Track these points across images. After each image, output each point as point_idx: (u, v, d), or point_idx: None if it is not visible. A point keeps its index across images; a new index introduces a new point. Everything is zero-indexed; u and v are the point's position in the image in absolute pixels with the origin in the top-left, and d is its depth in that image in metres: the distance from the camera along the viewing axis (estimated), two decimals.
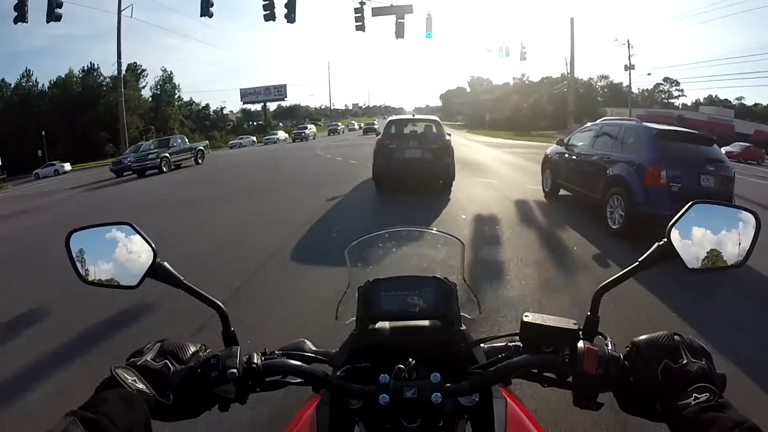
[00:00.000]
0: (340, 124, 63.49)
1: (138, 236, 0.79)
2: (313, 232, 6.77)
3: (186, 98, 64.80)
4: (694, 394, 0.57)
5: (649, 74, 68.75)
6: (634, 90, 54.76)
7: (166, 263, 0.79)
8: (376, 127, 32.04)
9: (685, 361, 0.62)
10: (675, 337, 0.66)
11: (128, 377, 0.61)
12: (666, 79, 62.00)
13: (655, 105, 57.56)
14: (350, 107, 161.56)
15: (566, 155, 8.51)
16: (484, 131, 55.30)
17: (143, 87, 54.26)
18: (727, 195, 6.00)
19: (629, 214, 6.04)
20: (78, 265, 0.80)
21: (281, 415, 2.21)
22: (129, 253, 0.79)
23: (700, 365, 0.62)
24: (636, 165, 6.16)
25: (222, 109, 71.51)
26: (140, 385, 0.61)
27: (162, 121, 51.66)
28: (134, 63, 52.73)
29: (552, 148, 9.48)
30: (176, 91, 58.55)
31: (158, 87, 55.85)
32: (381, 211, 8.35)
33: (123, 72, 36.67)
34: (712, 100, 54.90)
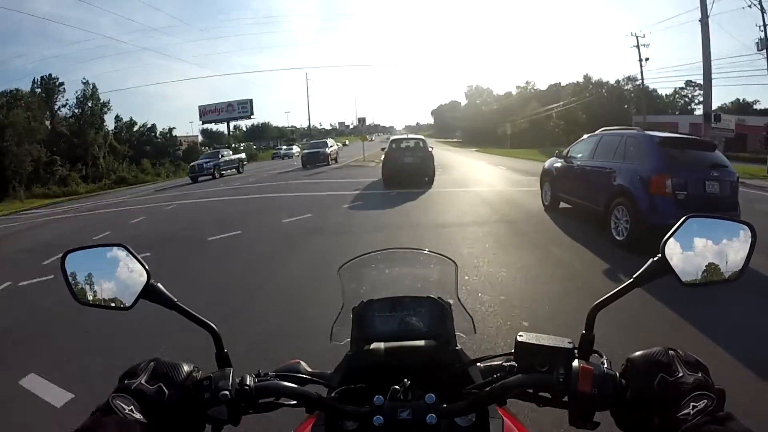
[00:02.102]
0: (295, 146, 51.06)
1: (132, 257, 0.80)
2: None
3: (133, 118, 51.77)
4: (692, 404, 0.57)
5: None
6: (661, 93, 50.95)
7: (159, 284, 0.80)
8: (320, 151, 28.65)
9: (681, 374, 0.62)
10: (670, 351, 0.65)
11: (125, 407, 0.61)
12: (689, 83, 51.59)
13: (674, 111, 50.25)
14: (336, 126, 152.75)
15: (566, 167, 8.42)
16: (495, 149, 42.18)
17: (62, 106, 41.40)
18: (732, 200, 5.98)
19: (635, 224, 5.96)
20: (72, 285, 0.80)
21: None
22: (123, 274, 0.80)
23: (697, 377, 0.61)
24: (640, 174, 6.12)
25: (171, 130, 55.51)
26: (137, 416, 0.61)
27: (82, 148, 38.84)
28: (47, 75, 40.89)
29: (550, 160, 9.42)
30: (105, 109, 43.31)
31: (78, 106, 41.26)
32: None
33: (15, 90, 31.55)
34: (740, 105, 46.78)
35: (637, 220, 5.93)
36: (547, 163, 9.56)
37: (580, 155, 8.09)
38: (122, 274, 0.80)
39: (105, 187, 32.05)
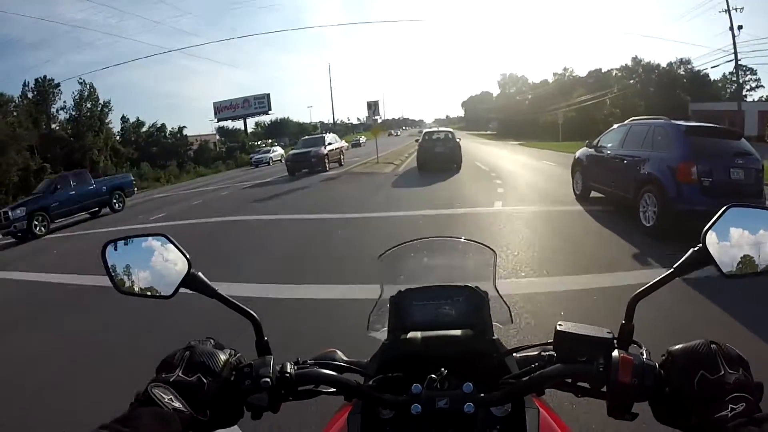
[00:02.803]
0: (277, 147, 42.05)
1: (173, 246, 0.81)
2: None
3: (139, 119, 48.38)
4: (730, 405, 0.57)
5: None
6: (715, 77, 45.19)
7: (200, 273, 0.81)
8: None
9: (722, 372, 0.61)
10: (712, 345, 0.65)
11: (165, 396, 0.62)
12: (740, 67, 46.03)
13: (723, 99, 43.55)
14: (363, 120, 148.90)
15: (596, 157, 8.68)
16: (541, 142, 37.40)
17: (60, 109, 39.10)
18: (757, 187, 6.15)
19: (663, 211, 6.19)
20: (113, 274, 0.82)
21: (313, 424, 2.22)
22: (164, 263, 0.81)
23: (737, 376, 0.61)
24: (667, 162, 6.31)
25: (181, 129, 51.48)
26: (177, 404, 0.62)
27: (80, 152, 36.73)
28: (42, 78, 38.13)
29: (581, 150, 9.65)
30: (107, 110, 40.98)
31: (75, 108, 39.10)
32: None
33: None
34: None
35: (664, 207, 6.16)
36: (578, 153, 9.81)
37: (610, 144, 8.30)
38: (162, 263, 0.81)
39: None
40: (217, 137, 59.31)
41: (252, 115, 55.96)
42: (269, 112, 56.39)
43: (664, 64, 45.28)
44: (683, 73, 44.18)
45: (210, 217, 11.48)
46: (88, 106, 39.61)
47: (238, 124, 59.14)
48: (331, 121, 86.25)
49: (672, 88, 42.37)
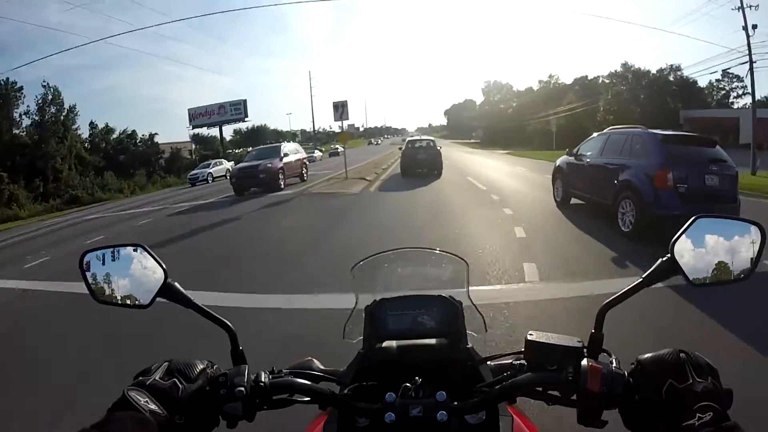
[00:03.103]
0: (224, 162, 33.28)
1: (149, 257, 0.82)
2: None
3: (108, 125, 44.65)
4: (698, 414, 0.58)
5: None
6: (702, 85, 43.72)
7: (176, 284, 0.81)
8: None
9: (690, 381, 0.62)
10: (681, 354, 0.66)
11: (140, 399, 0.62)
12: (726, 74, 43.94)
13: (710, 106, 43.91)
14: (344, 128, 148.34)
15: (576, 165, 8.89)
16: (530, 151, 36.44)
17: (24, 114, 35.24)
18: (731, 193, 6.36)
19: (640, 216, 6.40)
20: (91, 284, 0.82)
21: None
22: (140, 273, 0.81)
23: (705, 384, 0.62)
24: (644, 169, 6.52)
25: (152, 136, 48.64)
26: (152, 406, 0.63)
27: (43, 160, 33.33)
28: (5, 80, 34.15)
29: (562, 158, 9.89)
30: (72, 115, 37.48)
31: (38, 113, 35.50)
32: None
33: None
34: None
35: (642, 212, 6.37)
36: (558, 161, 10.03)
37: (589, 153, 8.54)
38: (139, 273, 0.81)
39: (52, 209, 26.52)
40: (193, 145, 56.66)
41: (228, 122, 52.83)
42: (246, 119, 52.66)
43: (654, 71, 44.81)
44: (672, 79, 43.45)
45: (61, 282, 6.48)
46: (53, 111, 36.41)
47: (216, 131, 56.03)
48: (312, 129, 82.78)
49: (662, 95, 41.84)
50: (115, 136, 46.83)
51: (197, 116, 52.04)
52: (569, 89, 52.50)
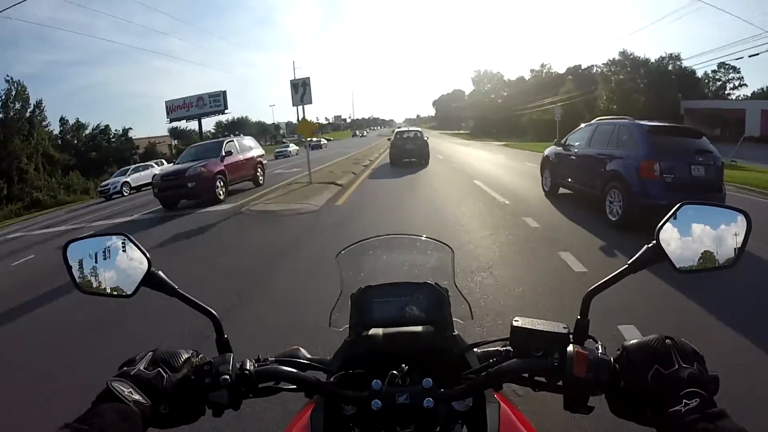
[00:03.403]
0: (153, 165, 25.06)
1: (133, 246, 0.81)
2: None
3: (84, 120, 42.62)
4: (684, 400, 0.58)
5: None
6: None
7: (160, 272, 0.81)
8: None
9: (676, 367, 0.63)
10: (666, 341, 0.66)
11: (124, 389, 0.62)
12: (722, 65, 44.98)
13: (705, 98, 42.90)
14: (331, 120, 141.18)
15: (564, 155, 9.01)
16: (527, 142, 36.05)
17: None
18: (717, 183, 6.48)
19: (627, 206, 6.52)
20: (75, 274, 0.81)
21: (276, 422, 2.13)
22: (124, 262, 0.81)
23: (691, 370, 0.62)
24: (631, 160, 6.62)
25: (126, 131, 46.80)
26: (136, 396, 0.62)
27: (6, 160, 30.99)
28: None
29: (550, 148, 10.03)
30: (39, 111, 35.29)
31: (2, 109, 32.93)
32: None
33: None
34: None
35: (629, 202, 6.48)
36: (546, 151, 10.15)
37: (577, 143, 8.63)
38: (123, 263, 0.81)
39: (10, 214, 24.91)
40: (173, 140, 53.88)
41: (207, 114, 48.87)
42: (226, 111, 48.69)
43: (653, 60, 43.31)
44: (672, 69, 41.89)
45: None
46: (17, 107, 33.65)
47: (196, 125, 51.01)
48: (297, 121, 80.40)
49: (662, 85, 39.98)
50: (87, 131, 44.59)
51: (175, 109, 48.63)
52: (563, 78, 51.35)
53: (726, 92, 46.89)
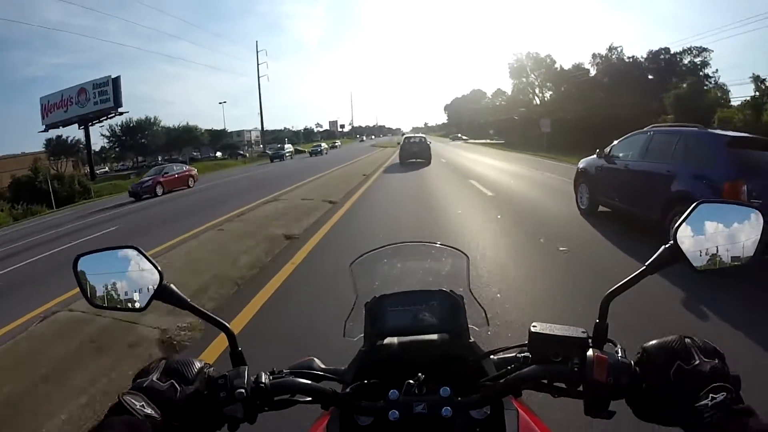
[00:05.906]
0: None
1: (144, 259, 0.80)
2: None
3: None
4: (711, 395, 0.56)
5: None
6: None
7: (172, 285, 0.80)
8: None
9: (697, 362, 0.60)
10: (686, 339, 0.64)
11: (136, 403, 0.60)
12: (688, 50, 35.93)
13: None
14: (325, 127, 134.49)
15: (608, 168, 7.63)
16: None
17: None
18: None
19: None
20: (86, 288, 0.80)
21: None
22: (135, 275, 0.79)
23: (714, 364, 0.60)
24: (706, 179, 5.39)
25: None
26: (148, 410, 0.61)
27: None
28: None
29: (587, 160, 8.53)
30: None
31: None
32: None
33: None
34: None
35: None
36: (582, 163, 8.67)
37: (623, 155, 7.29)
38: (135, 276, 0.79)
39: None
40: (50, 158, 36.93)
41: (93, 115, 34.08)
42: (119, 108, 33.56)
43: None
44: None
45: None
46: None
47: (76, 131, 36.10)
48: (286, 128, 66.51)
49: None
50: None
51: (51, 108, 35.24)
52: (644, 66, 38.50)
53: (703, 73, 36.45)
